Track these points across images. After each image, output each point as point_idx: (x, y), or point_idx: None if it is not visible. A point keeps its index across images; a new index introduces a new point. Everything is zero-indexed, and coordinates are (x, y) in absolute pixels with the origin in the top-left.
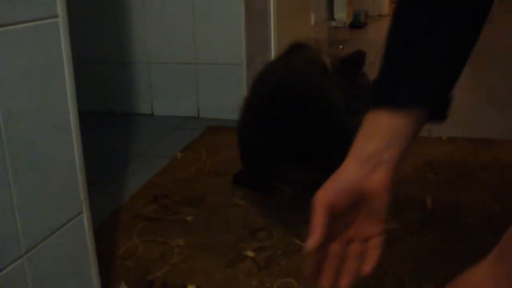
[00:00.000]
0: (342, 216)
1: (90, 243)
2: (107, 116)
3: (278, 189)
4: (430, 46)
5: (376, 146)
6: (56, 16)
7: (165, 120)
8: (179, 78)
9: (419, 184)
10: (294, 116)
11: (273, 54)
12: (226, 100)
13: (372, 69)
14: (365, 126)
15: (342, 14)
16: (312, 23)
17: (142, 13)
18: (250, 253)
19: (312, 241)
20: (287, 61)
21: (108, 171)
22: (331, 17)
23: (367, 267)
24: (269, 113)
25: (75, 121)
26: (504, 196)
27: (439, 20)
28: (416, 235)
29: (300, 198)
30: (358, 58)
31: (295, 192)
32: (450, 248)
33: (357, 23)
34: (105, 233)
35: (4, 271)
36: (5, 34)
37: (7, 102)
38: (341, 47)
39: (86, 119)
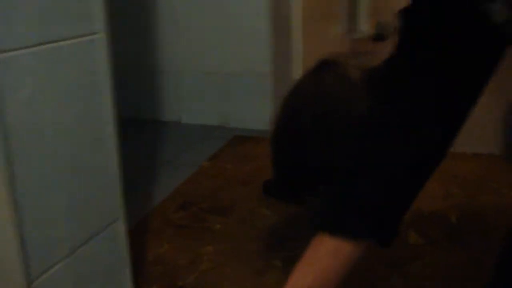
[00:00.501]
0: None
1: (126, 248)
2: (136, 123)
3: (307, 201)
4: (383, 179)
5: (311, 284)
6: (98, 32)
7: (193, 129)
8: (207, 87)
9: (444, 199)
10: (322, 132)
11: (298, 65)
12: (254, 109)
13: None
14: (309, 251)
15: (365, 26)
16: (335, 35)
17: (172, 24)
18: (278, 263)
19: None
20: (316, 78)
21: (137, 178)
22: (354, 29)
23: None
24: (301, 128)
25: (114, 132)
26: None
27: (390, 156)
28: (440, 249)
29: None
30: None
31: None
32: (473, 262)
33: (379, 36)
34: (136, 238)
35: (48, 272)
36: (52, 50)
37: (54, 114)
38: (363, 58)
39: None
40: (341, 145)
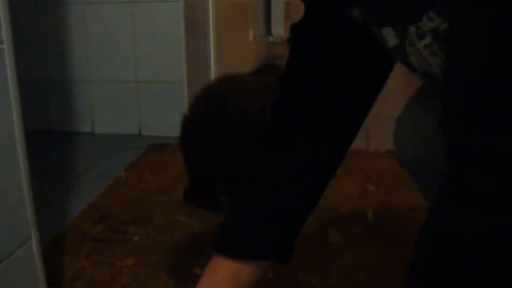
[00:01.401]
0: None
1: (39, 269)
2: (47, 135)
3: (224, 205)
4: (274, 203)
5: None
6: (2, 43)
7: (107, 139)
8: (120, 96)
9: (360, 196)
10: (217, 130)
11: (212, 71)
12: (168, 117)
13: None
14: (206, 275)
15: (279, 30)
16: (251, 39)
17: (82, 32)
18: (199, 271)
19: None
20: (222, 81)
21: (50, 192)
22: (268, 32)
23: None
24: (199, 127)
25: (21, 145)
26: None
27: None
28: (360, 246)
29: None
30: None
31: None
32: (393, 257)
33: None
34: (51, 256)
35: None
36: None
37: None
38: (279, 61)
39: (26, 137)
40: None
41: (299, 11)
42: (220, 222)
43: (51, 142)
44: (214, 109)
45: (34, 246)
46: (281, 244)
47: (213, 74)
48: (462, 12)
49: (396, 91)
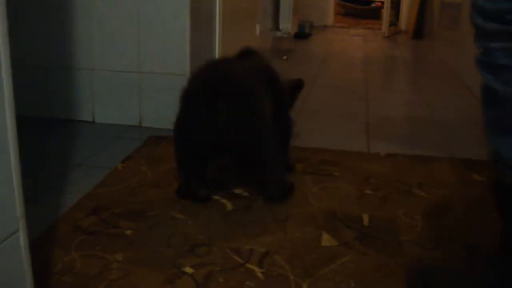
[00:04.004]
0: None
1: (26, 262)
2: (48, 122)
3: (220, 204)
4: None
5: None
6: None
7: (106, 128)
8: (122, 87)
9: (357, 200)
10: (217, 101)
11: None
12: (169, 110)
13: (315, 81)
14: None
15: (287, 25)
16: (258, 33)
17: (87, 20)
18: (189, 269)
19: None
20: (216, 61)
21: (46, 181)
22: (276, 27)
23: None
24: (200, 97)
25: (12, 137)
26: (439, 213)
27: None
28: (353, 252)
29: (239, 213)
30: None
31: (235, 207)
32: (385, 264)
33: (302, 34)
34: (41, 247)
35: None
36: None
37: None
38: (285, 57)
39: (26, 124)
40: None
41: (307, 6)
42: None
43: (51, 129)
44: (215, 82)
45: (21, 238)
46: None
47: None
48: None
49: (399, 93)
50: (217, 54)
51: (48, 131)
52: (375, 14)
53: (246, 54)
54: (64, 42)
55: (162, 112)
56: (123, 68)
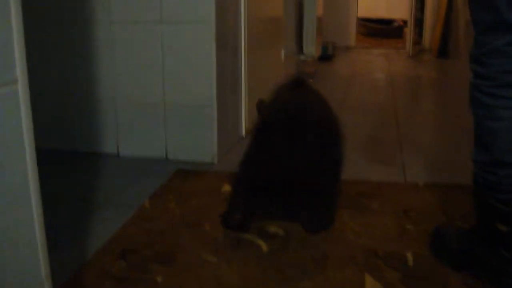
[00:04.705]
0: None
1: None
2: (71, 156)
3: (254, 245)
4: None
5: None
6: (16, 81)
7: (131, 162)
8: (147, 118)
9: (399, 237)
10: (294, 138)
11: (243, 96)
12: (195, 142)
13: (342, 105)
14: None
15: (311, 48)
16: (282, 59)
17: (110, 50)
18: None
19: None
20: (290, 94)
21: (71, 222)
22: (300, 50)
23: None
24: (279, 130)
25: (36, 196)
26: None
27: None
28: None
29: (275, 254)
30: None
31: (270, 248)
32: None
33: (325, 55)
34: None
35: None
36: None
37: None
38: (311, 80)
39: (48, 158)
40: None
41: (329, 27)
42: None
43: (74, 163)
44: (292, 119)
45: None
46: None
47: (243, 98)
48: None
49: (430, 115)
50: (243, 84)
51: (71, 166)
52: (398, 33)
53: (300, 84)
54: (87, 73)
55: (188, 144)
56: (148, 99)
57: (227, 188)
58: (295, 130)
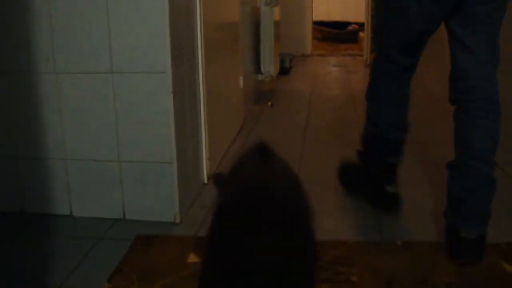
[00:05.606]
0: None
1: None
2: (19, 218)
3: None
4: None
5: None
6: None
7: (86, 224)
8: (101, 177)
9: None
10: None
11: (204, 149)
12: (155, 200)
13: (304, 134)
14: None
15: (269, 67)
16: (241, 85)
17: (57, 102)
18: None
19: None
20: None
21: None
22: (258, 70)
23: None
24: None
25: None
26: None
27: None
28: None
29: None
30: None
31: None
32: None
33: (282, 69)
34: None
35: None
36: None
37: None
38: (269, 103)
39: None
40: None
41: (285, 36)
42: None
43: (23, 226)
44: (262, 207)
45: None
46: None
47: (204, 152)
48: None
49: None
50: (203, 137)
51: (18, 230)
52: (353, 38)
53: (264, 154)
54: (31, 131)
55: (148, 202)
56: (100, 157)
57: (193, 259)
58: (261, 225)
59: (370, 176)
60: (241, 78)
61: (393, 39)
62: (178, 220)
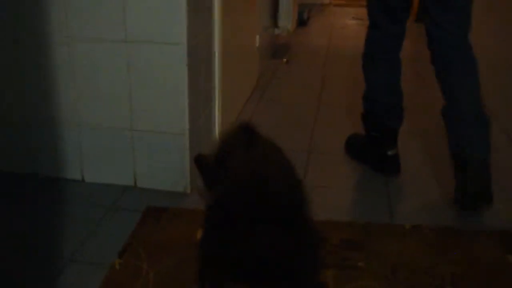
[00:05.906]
0: None
1: None
2: (33, 181)
3: None
4: None
5: None
6: None
7: (98, 190)
8: (114, 145)
9: None
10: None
11: (217, 122)
12: (166, 170)
13: (319, 98)
14: None
15: (286, 22)
16: (257, 45)
17: (70, 69)
18: None
19: None
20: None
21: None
22: (275, 24)
23: None
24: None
25: None
26: None
27: None
28: None
29: None
30: None
31: None
32: None
33: (300, 21)
34: None
35: None
36: None
37: None
38: (285, 60)
39: (8, 183)
40: None
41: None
42: None
43: (36, 190)
44: (255, 200)
45: None
46: None
47: (217, 120)
48: None
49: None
50: (216, 110)
51: (34, 194)
52: None
53: (250, 135)
54: (45, 95)
55: (159, 172)
56: (113, 125)
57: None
58: (259, 214)
59: (371, 140)
60: (257, 37)
61: (376, 4)
62: (188, 191)
